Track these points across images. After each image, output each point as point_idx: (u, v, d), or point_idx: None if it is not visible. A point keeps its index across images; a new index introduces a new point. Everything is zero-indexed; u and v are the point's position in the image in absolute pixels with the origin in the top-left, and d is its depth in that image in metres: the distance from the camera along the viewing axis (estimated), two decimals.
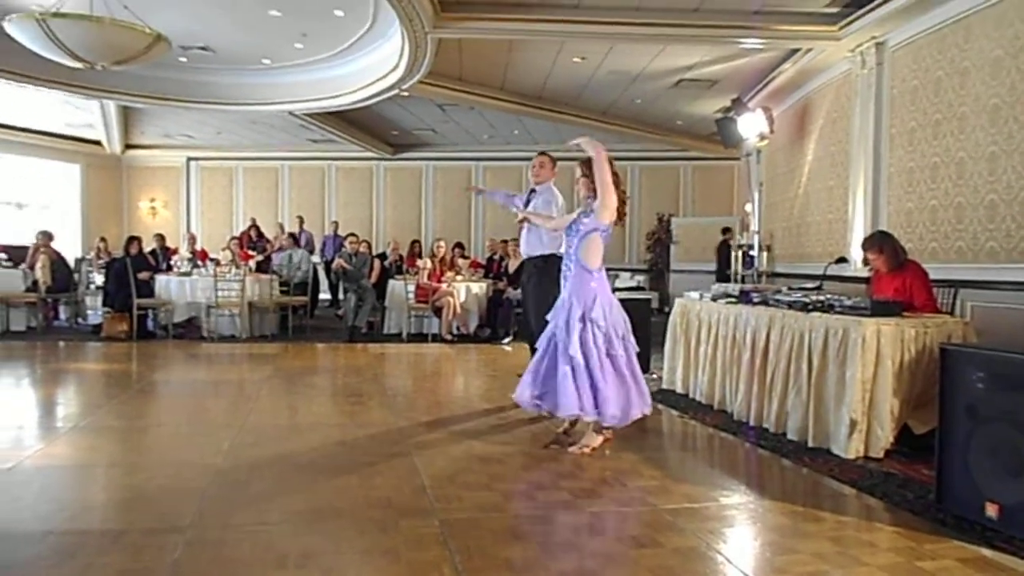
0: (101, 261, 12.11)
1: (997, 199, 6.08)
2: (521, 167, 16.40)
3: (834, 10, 7.73)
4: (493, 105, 11.92)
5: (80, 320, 11.44)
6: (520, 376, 4.81)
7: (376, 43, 9.67)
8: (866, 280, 7.46)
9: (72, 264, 11.85)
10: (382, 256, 12.27)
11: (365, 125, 14.42)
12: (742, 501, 3.76)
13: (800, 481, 4.14)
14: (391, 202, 16.85)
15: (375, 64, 10.15)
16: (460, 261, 11.78)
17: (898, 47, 7.57)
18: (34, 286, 10.66)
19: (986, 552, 2.99)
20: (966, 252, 6.44)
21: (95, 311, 11.09)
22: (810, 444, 4.61)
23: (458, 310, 10.24)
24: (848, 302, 4.64)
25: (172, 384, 7.30)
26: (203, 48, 9.97)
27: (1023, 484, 3.06)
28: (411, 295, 10.22)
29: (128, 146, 16.17)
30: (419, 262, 10.97)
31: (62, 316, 11.49)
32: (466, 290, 10.53)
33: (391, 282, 10.92)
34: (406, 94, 10.88)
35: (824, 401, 4.58)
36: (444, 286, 10.33)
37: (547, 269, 5.90)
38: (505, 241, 11.67)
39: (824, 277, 5.82)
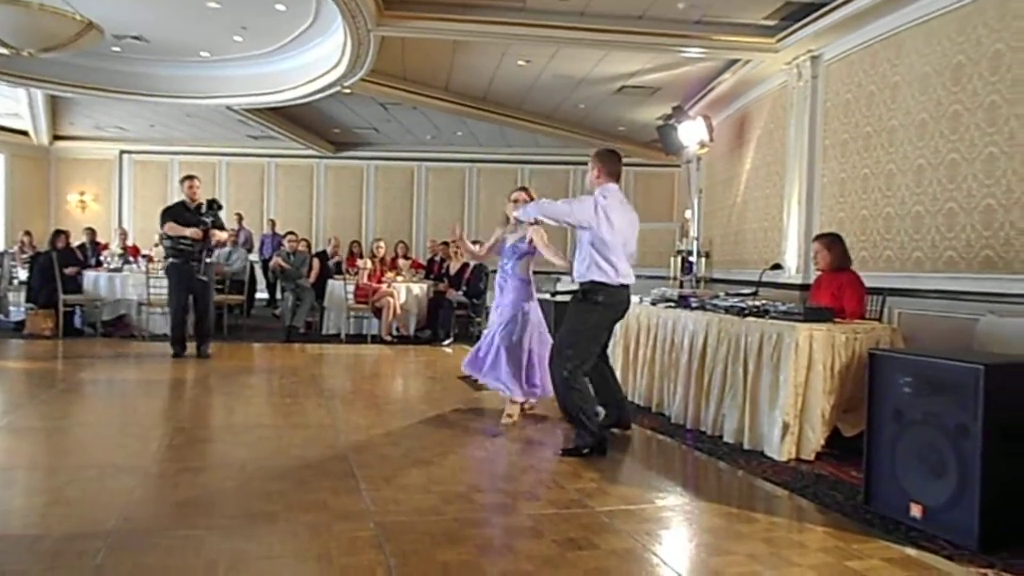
0: (25, 255, 11.64)
1: (923, 210, 6.29)
2: (464, 169, 16.39)
3: (772, 23, 7.92)
4: (437, 106, 11.85)
5: (2, 316, 10.96)
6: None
7: (318, 39, 9.51)
8: (800, 287, 7.70)
9: None
10: (322, 254, 12.06)
11: (306, 122, 14.18)
12: (678, 503, 3.79)
13: (735, 483, 4.21)
14: (332, 201, 16.62)
15: (317, 60, 9.98)
16: (401, 262, 11.67)
17: (833, 61, 7.79)
18: None
19: (911, 551, 3.08)
20: (894, 261, 6.66)
21: (18, 307, 10.67)
22: (745, 446, 4.70)
23: (398, 311, 10.15)
24: (782, 308, 4.74)
25: (99, 384, 7.03)
26: (137, 38, 9.63)
27: (945, 486, 3.16)
28: (350, 295, 10.08)
29: (57, 137, 15.56)
30: (359, 262, 10.82)
31: None
32: (406, 291, 10.44)
33: (330, 282, 10.76)
34: (348, 92, 10.74)
35: (759, 404, 4.67)
36: (384, 287, 10.23)
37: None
38: (446, 243, 11.60)
39: (760, 283, 5.94)
